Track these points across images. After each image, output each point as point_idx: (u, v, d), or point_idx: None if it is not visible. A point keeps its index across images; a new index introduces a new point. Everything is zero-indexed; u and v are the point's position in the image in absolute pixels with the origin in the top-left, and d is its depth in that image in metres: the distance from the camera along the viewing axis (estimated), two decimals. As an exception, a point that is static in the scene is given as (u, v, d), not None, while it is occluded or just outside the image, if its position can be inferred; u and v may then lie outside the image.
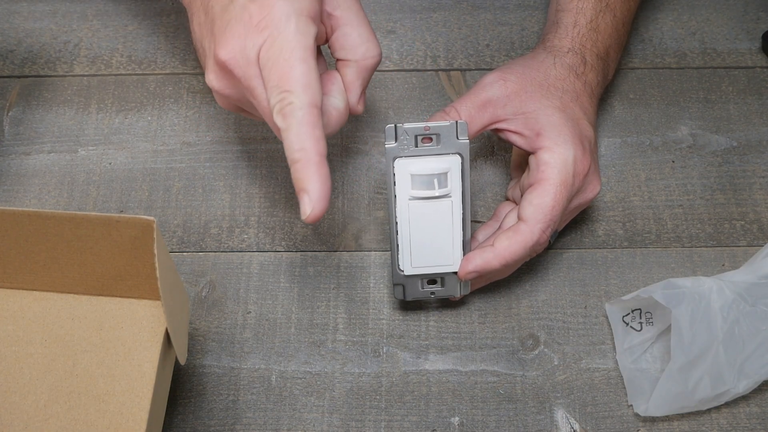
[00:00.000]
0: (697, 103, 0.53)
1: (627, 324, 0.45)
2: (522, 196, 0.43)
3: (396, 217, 0.41)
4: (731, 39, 0.55)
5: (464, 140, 0.41)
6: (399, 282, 0.43)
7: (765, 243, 0.48)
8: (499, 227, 0.44)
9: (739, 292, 0.43)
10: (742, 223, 0.49)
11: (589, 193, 0.44)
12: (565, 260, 0.49)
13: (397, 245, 0.42)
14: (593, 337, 0.47)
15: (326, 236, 0.50)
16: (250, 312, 0.47)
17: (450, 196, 0.41)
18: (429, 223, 0.42)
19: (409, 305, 0.47)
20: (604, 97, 0.53)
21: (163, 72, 0.55)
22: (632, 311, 0.45)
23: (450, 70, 0.54)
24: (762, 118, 0.52)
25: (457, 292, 0.44)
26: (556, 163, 0.42)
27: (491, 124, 0.43)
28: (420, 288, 0.43)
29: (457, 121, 0.41)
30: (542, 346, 0.47)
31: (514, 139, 0.44)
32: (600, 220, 0.50)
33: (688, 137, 0.52)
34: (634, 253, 0.49)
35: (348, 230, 0.50)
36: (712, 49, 0.55)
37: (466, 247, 0.43)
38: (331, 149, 0.52)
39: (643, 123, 0.53)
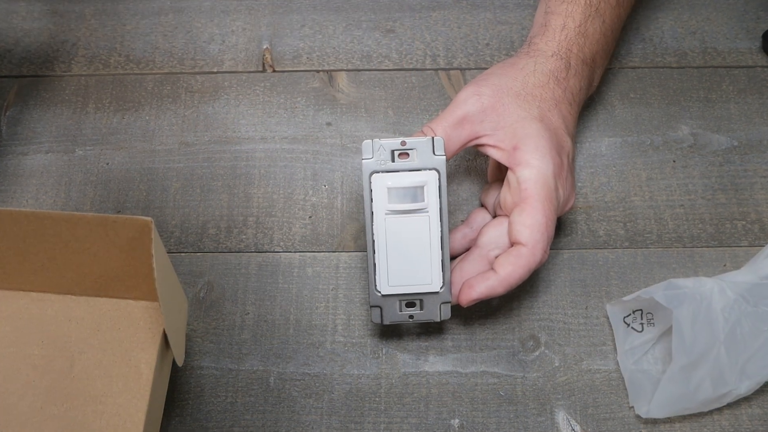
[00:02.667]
0: (697, 103, 0.53)
1: (628, 325, 0.45)
2: (508, 216, 0.42)
3: (373, 233, 0.41)
4: (731, 38, 0.55)
5: (440, 156, 0.41)
6: (376, 304, 0.42)
7: (766, 243, 0.48)
8: (478, 241, 0.44)
9: (740, 292, 0.42)
10: (744, 223, 0.49)
11: (566, 206, 0.44)
12: (566, 261, 0.49)
13: (374, 264, 0.41)
14: (594, 338, 0.47)
15: (325, 237, 0.50)
16: (248, 313, 0.47)
17: (427, 212, 0.41)
18: (406, 239, 0.41)
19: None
20: (604, 96, 0.53)
21: (161, 71, 0.55)
22: (633, 312, 0.45)
23: (450, 69, 0.54)
24: (763, 117, 0.52)
25: (437, 317, 0.43)
26: (537, 179, 0.41)
27: (470, 141, 0.43)
28: (398, 311, 0.43)
29: (433, 137, 0.41)
30: (543, 348, 0.46)
31: (492, 153, 0.43)
32: (601, 220, 0.50)
33: (689, 137, 0.52)
34: (635, 253, 0.49)
35: (347, 231, 0.50)
36: (713, 48, 0.54)
37: (445, 266, 0.42)
38: (330, 149, 0.52)
39: (644, 122, 0.52)
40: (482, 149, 0.44)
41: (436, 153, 0.41)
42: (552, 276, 0.48)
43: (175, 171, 0.52)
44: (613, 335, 0.46)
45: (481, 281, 0.41)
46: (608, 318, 0.47)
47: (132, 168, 0.51)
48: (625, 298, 0.45)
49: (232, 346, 0.46)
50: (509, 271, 0.41)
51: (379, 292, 0.42)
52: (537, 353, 0.46)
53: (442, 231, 0.41)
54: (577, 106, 0.45)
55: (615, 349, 0.46)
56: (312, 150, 0.53)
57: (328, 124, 0.54)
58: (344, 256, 0.49)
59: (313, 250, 0.49)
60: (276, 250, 0.49)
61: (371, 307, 0.42)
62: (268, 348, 0.47)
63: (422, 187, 0.41)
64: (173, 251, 0.49)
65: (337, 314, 0.48)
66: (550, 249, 0.48)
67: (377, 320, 0.43)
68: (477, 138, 0.43)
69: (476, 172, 0.53)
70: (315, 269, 0.49)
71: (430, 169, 0.41)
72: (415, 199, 0.41)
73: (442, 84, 0.54)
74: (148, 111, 0.54)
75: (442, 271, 0.42)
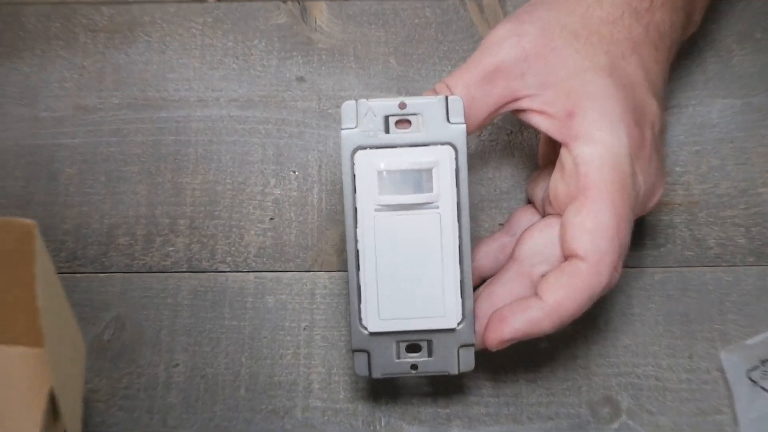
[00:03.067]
0: None
1: (754, 382, 0.46)
2: (562, 215, 0.43)
3: (356, 240, 0.42)
4: None
5: (458, 124, 0.42)
6: (361, 347, 0.43)
7: None
8: (517, 251, 0.45)
9: None
10: None
11: (649, 201, 0.44)
12: (657, 285, 0.49)
13: (358, 286, 0.42)
14: (703, 403, 0.47)
15: (294, 249, 0.50)
16: (178, 364, 0.48)
17: (437, 207, 0.42)
18: (406, 248, 0.42)
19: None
20: (713, 37, 0.54)
21: (48, 0, 0.55)
22: (762, 363, 0.46)
23: (482, -3, 0.55)
24: None
25: (454, 367, 0.43)
26: (603, 159, 0.42)
27: (505, 104, 0.44)
28: (395, 357, 0.43)
29: (447, 96, 0.42)
30: (624, 417, 0.47)
31: (537, 121, 0.44)
32: (711, 224, 0.51)
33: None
34: (764, 273, 0.49)
35: (327, 239, 0.51)
36: None
37: (466, 290, 0.42)
38: (302, 116, 0.53)
39: (775, 76, 0.53)
40: (523, 116, 0.44)
41: (451, 120, 0.42)
42: (636, 307, 0.49)
43: (69, 149, 0.52)
44: (731, 397, 0.47)
45: (519, 312, 0.42)
46: (724, 371, 0.47)
47: (5, 145, 0.52)
48: (749, 342, 0.45)
49: (154, 414, 0.47)
50: (560, 297, 0.41)
51: (365, 328, 0.43)
52: (616, 425, 0.47)
53: (460, 235, 0.42)
54: (668, 52, 0.46)
55: (735, 419, 0.47)
56: (275, 118, 0.53)
57: (300, 79, 0.54)
58: (323, 278, 0.50)
59: (277, 268, 0.50)
60: (220, 269, 0.50)
61: (354, 351, 0.43)
62: (208, 418, 0.47)
63: (430, 171, 0.42)
64: (65, 270, 0.49)
65: (312, 366, 0.48)
66: (627, 266, 0.48)
67: (363, 372, 0.43)
68: (515, 100, 0.44)
69: (522, 151, 0.53)
70: (279, 298, 0.49)
71: (442, 144, 0.42)
72: (419, 189, 0.42)
73: (471, 19, 0.55)
74: (29, 60, 0.54)
75: (462, 297, 0.42)
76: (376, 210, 0.42)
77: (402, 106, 0.42)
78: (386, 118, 0.42)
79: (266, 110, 0.54)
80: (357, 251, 0.42)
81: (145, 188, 0.52)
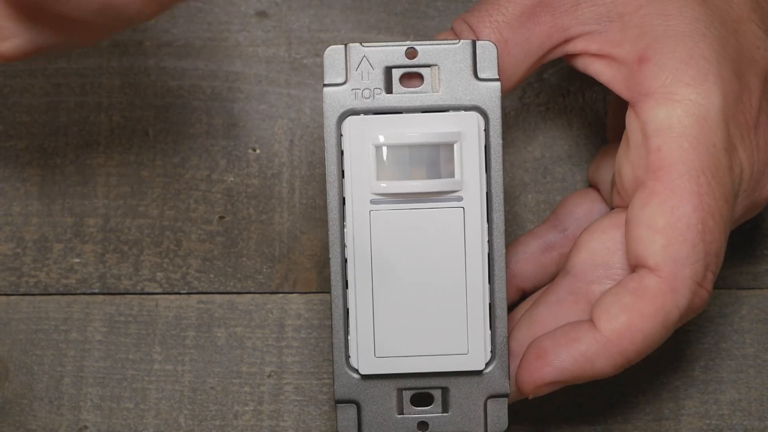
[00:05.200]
0: None
1: None
2: (627, 205, 0.41)
3: (343, 244, 0.40)
4: None
5: (491, 81, 0.40)
6: (348, 397, 0.40)
7: None
8: (570, 261, 0.42)
9: None
10: None
11: (759, 188, 0.42)
12: None
13: (345, 311, 0.40)
14: None
15: (255, 261, 0.47)
16: (87, 427, 0.45)
17: (459, 198, 0.40)
18: (414, 257, 0.40)
19: None
20: None
21: None
22: None
23: None
24: None
25: (480, 426, 0.41)
26: (683, 126, 0.39)
27: (551, 49, 0.42)
28: (396, 412, 0.41)
29: (474, 41, 0.40)
30: None
31: (597, 71, 0.41)
32: None
33: None
34: None
35: (302, 247, 0.47)
36: None
37: (497, 312, 0.40)
38: (266, 70, 0.49)
39: None
40: (579, 64, 0.42)
41: (480, 75, 0.40)
42: (750, 346, 0.46)
43: None
44: None
45: (565, 344, 0.40)
46: None
47: None
48: None
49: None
50: (621, 324, 0.39)
51: (355, 370, 0.40)
52: None
53: (491, 240, 0.40)
54: None
55: None
56: (226, 72, 0.49)
57: (261, 14, 0.49)
58: (296, 302, 0.47)
59: (230, 289, 0.46)
60: (147, 290, 0.46)
61: (337, 403, 0.40)
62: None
63: (450, 147, 0.39)
64: None
65: (280, 429, 0.46)
66: (721, 285, 0.47)
67: (350, 429, 0.41)
68: (566, 41, 0.41)
69: (584, 119, 0.50)
70: (233, 331, 0.46)
71: (467, 109, 0.39)
72: (434, 173, 0.39)
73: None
74: None
75: (491, 327, 0.40)
76: (372, 202, 0.39)
77: (411, 54, 0.39)
78: (388, 70, 0.39)
79: (212, 60, 0.49)
80: (344, 261, 0.40)
81: (36, 173, 0.47)
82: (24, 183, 0.47)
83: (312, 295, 0.47)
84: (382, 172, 0.40)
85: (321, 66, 0.46)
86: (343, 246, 0.40)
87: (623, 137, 0.42)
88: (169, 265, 0.47)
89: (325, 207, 0.47)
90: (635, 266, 0.40)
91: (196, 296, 0.46)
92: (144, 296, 0.46)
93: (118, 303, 0.46)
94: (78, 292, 0.46)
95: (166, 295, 0.46)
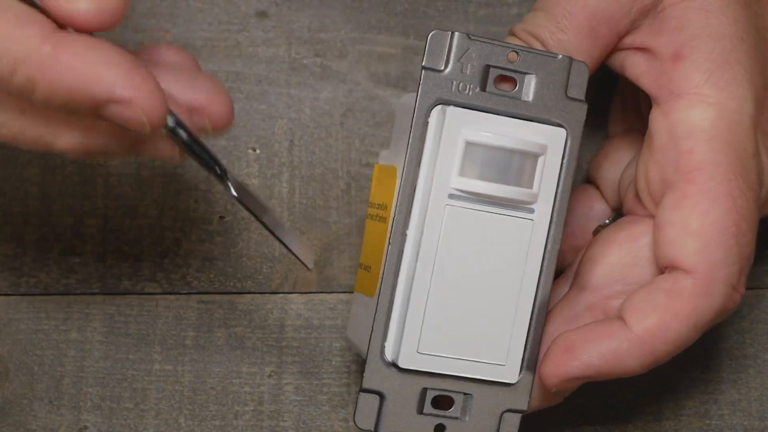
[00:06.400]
0: None
1: None
2: (654, 216, 0.41)
3: (403, 233, 0.40)
4: None
5: (579, 102, 0.40)
6: (375, 387, 0.40)
7: None
8: (582, 276, 0.43)
9: None
10: None
11: None
12: None
13: (392, 295, 0.40)
14: None
15: (255, 260, 0.47)
16: (87, 427, 0.45)
17: (532, 210, 0.40)
18: (477, 260, 0.40)
19: None
20: None
21: None
22: None
23: None
24: None
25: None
26: (716, 128, 0.39)
27: (607, 54, 0.42)
28: (416, 410, 0.40)
29: (571, 59, 0.40)
30: None
31: (632, 62, 0.42)
32: None
33: None
34: None
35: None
36: None
37: (535, 329, 0.41)
38: (266, 70, 0.48)
39: None
40: (615, 59, 0.42)
41: (570, 93, 0.40)
42: (750, 347, 0.47)
43: None
44: None
45: (594, 339, 0.40)
46: None
47: None
48: None
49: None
50: (654, 324, 0.39)
51: (392, 361, 0.40)
52: None
53: (545, 258, 0.40)
54: None
55: None
56: (226, 72, 0.49)
57: (262, 14, 0.49)
58: (297, 302, 0.46)
59: (230, 289, 0.46)
60: (148, 291, 0.46)
61: (361, 392, 0.40)
62: None
63: (535, 159, 0.40)
64: None
65: (280, 429, 0.46)
66: (755, 285, 0.47)
67: (366, 424, 0.40)
68: (620, 48, 0.42)
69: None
70: (233, 331, 0.46)
71: (553, 124, 0.40)
72: (516, 180, 0.39)
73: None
74: None
75: (526, 341, 0.41)
76: (449, 197, 0.39)
77: (513, 57, 0.39)
78: (486, 68, 0.39)
79: (212, 60, 0.49)
80: (401, 251, 0.39)
81: (36, 172, 0.47)
82: (24, 183, 0.47)
83: (312, 295, 0.47)
84: (465, 169, 0.39)
85: (321, 66, 0.46)
86: (403, 235, 0.40)
87: (646, 138, 0.41)
88: (169, 265, 0.47)
89: (326, 208, 0.48)
90: (666, 267, 0.40)
91: (196, 296, 0.46)
92: (144, 296, 0.46)
93: (118, 303, 0.46)
94: (78, 292, 0.46)
95: (166, 295, 0.46)
